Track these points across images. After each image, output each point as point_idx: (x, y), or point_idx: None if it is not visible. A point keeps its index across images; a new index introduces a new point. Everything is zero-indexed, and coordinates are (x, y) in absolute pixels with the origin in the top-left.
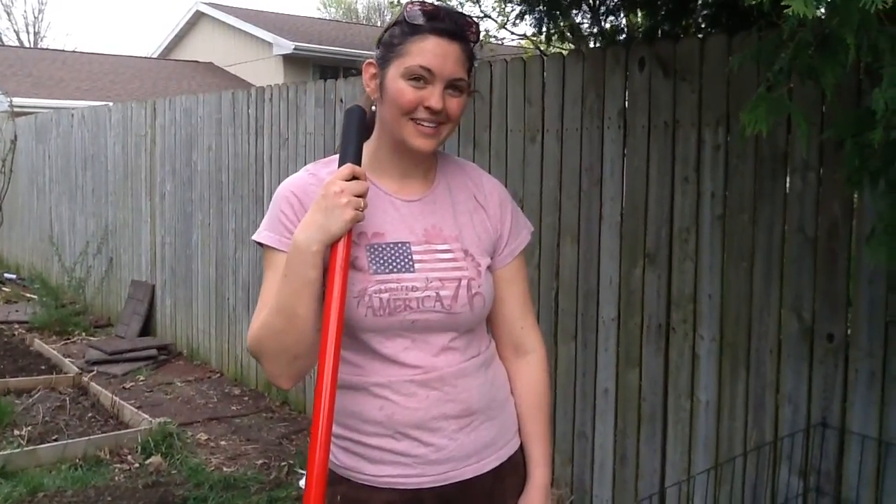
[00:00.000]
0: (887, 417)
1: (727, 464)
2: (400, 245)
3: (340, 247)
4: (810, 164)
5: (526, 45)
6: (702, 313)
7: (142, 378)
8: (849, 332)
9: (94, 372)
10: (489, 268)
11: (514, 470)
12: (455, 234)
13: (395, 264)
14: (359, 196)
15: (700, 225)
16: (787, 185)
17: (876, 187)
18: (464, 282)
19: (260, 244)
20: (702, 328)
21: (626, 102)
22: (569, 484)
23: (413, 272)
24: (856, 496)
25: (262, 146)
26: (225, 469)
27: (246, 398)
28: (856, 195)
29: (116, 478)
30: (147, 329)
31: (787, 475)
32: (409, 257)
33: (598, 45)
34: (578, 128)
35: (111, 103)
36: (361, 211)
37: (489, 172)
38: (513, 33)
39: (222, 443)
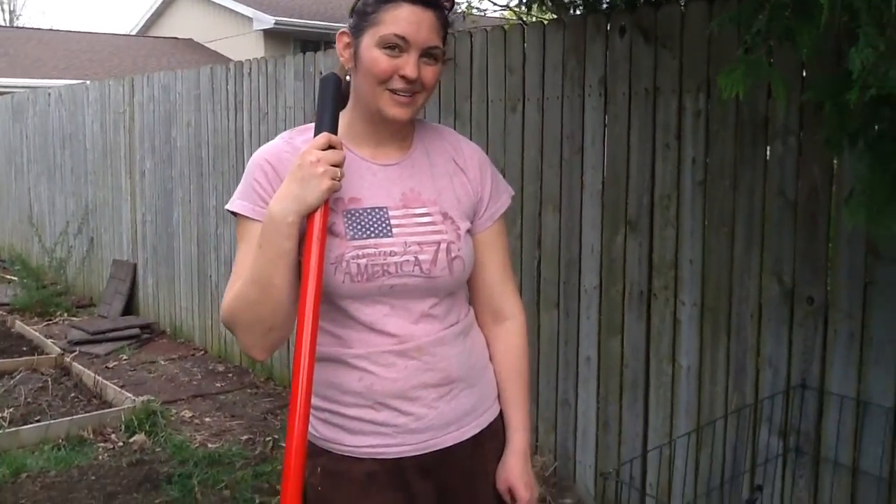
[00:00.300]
0: (865, 377)
1: (708, 427)
2: (377, 210)
3: (317, 217)
4: (790, 129)
5: (508, 17)
6: (683, 279)
7: (125, 357)
8: (828, 294)
9: (77, 352)
10: (469, 231)
11: (494, 436)
12: (433, 197)
13: (372, 229)
14: (335, 165)
15: (681, 191)
16: (768, 150)
17: (855, 149)
18: (443, 245)
19: (234, 213)
20: (683, 294)
21: (607, 70)
22: (552, 451)
23: (391, 237)
24: (834, 455)
25: (242, 121)
26: (209, 445)
27: (230, 375)
28: (835, 158)
29: (100, 457)
30: (130, 308)
31: (766, 436)
32: (387, 222)
33: (578, 12)
34: (559, 96)
35: (88, 82)
36: (338, 181)
37: None
38: (494, 3)
39: (207, 419)
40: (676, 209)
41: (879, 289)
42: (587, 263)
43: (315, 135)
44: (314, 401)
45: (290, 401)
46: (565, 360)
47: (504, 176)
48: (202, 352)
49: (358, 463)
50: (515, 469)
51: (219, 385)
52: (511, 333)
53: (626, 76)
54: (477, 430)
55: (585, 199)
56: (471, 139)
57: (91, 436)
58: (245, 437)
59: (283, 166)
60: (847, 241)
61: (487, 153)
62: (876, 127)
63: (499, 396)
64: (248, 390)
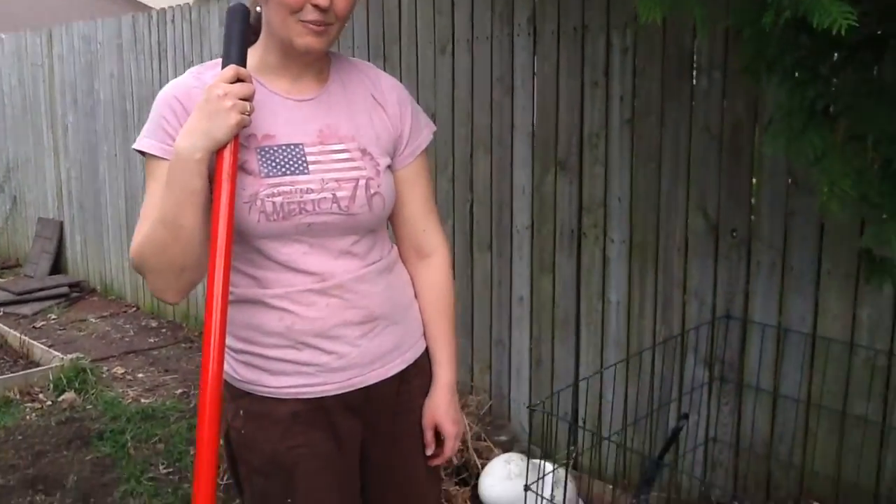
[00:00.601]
0: (786, 306)
1: (637, 358)
2: (292, 147)
3: (227, 153)
4: (715, 63)
5: None
6: (612, 217)
7: (53, 317)
8: (751, 226)
9: (2, 313)
10: (389, 168)
11: (419, 372)
12: (351, 133)
13: (287, 166)
14: (244, 99)
15: (609, 129)
16: (693, 85)
17: (773, 76)
18: (361, 182)
19: (141, 153)
20: (612, 231)
21: (536, 9)
22: (487, 390)
23: (307, 174)
24: (756, 381)
25: (167, 71)
26: (143, 401)
27: (164, 330)
28: (758, 90)
29: (28, 417)
30: (58, 267)
31: (692, 366)
32: (303, 159)
33: None
34: (489, 37)
35: (3, 35)
36: (248, 115)
37: None
38: None
39: (140, 375)
40: (605, 147)
41: (799, 219)
42: (519, 204)
43: (222, 68)
44: (235, 344)
45: (203, 344)
46: (499, 301)
47: (435, 120)
48: (134, 308)
49: (281, 403)
50: (442, 404)
51: (152, 341)
52: (435, 269)
53: (555, 14)
54: (402, 367)
55: (516, 140)
56: (401, 83)
57: (18, 396)
58: (179, 390)
59: (192, 103)
60: (769, 174)
61: (418, 97)
62: (793, 54)
63: (424, 333)
64: (183, 345)
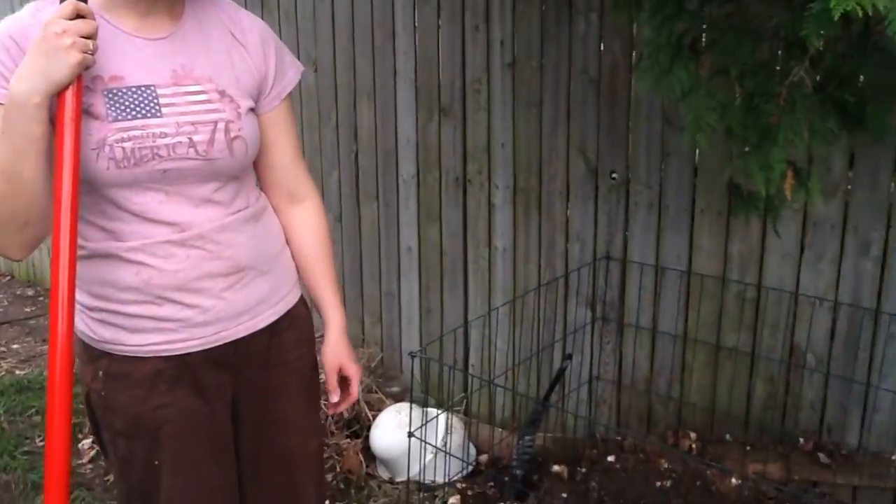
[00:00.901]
0: (663, 244)
1: (522, 302)
2: (143, 88)
3: (69, 96)
4: (592, 6)
5: None
6: (496, 163)
7: None
8: (629, 168)
9: None
10: (253, 111)
11: (292, 323)
12: (208, 73)
13: (138, 109)
14: (86, 37)
15: (491, 74)
16: (571, 28)
17: (641, 11)
18: (220, 125)
19: None
20: (496, 177)
21: None
22: (378, 342)
23: (160, 117)
24: (636, 319)
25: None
26: (17, 372)
27: (41, 298)
28: (632, 29)
29: None
30: None
31: (575, 307)
32: (155, 101)
33: None
34: None
35: None
36: (91, 54)
37: (279, 35)
38: None
39: (14, 346)
40: (487, 93)
41: (674, 159)
42: (404, 152)
43: (61, 2)
44: (90, 301)
45: (51, 307)
46: (387, 252)
47: (316, 69)
48: (8, 277)
49: (142, 362)
50: (340, 346)
51: (28, 310)
52: (310, 215)
53: None
54: (273, 319)
55: (399, 87)
56: (279, 32)
57: None
58: None
59: (29, 42)
60: (645, 115)
61: (297, 45)
62: None
63: (306, 279)
64: None
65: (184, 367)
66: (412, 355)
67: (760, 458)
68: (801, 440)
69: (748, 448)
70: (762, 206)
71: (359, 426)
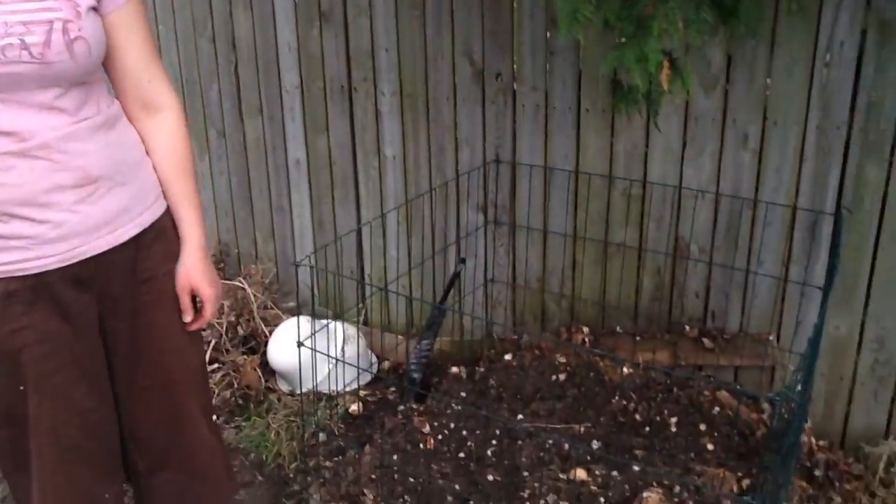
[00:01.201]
0: (551, 145)
1: (414, 208)
2: None
3: None
4: None
5: None
6: (381, 69)
7: None
8: (515, 69)
9: None
10: (95, 10)
11: (160, 236)
12: None
13: None
14: None
15: None
16: None
17: None
18: (57, 25)
19: None
20: (382, 84)
21: None
22: (272, 258)
23: None
24: (528, 221)
25: None
26: None
27: None
28: None
29: None
30: None
31: (467, 212)
32: None
33: None
34: None
35: None
36: None
37: None
38: None
39: None
40: None
41: (558, 58)
42: (285, 62)
43: None
44: None
45: None
46: (275, 166)
47: None
48: None
49: None
50: (197, 266)
51: None
52: (169, 125)
53: None
54: (137, 231)
55: None
56: None
57: None
58: None
59: None
60: (529, 14)
61: None
62: None
63: (165, 194)
64: None
65: (41, 288)
66: (296, 265)
67: (649, 347)
68: (687, 328)
69: (638, 338)
70: (642, 99)
71: (255, 342)
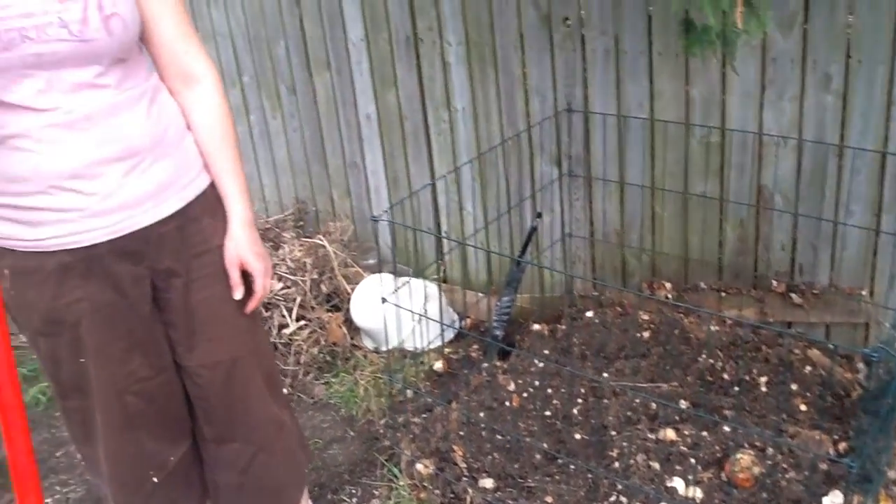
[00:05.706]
0: (623, 93)
1: (487, 161)
2: None
3: None
4: None
5: None
6: (445, 17)
7: None
8: (581, 13)
9: None
10: None
11: (207, 210)
12: None
13: None
14: None
15: None
16: None
17: None
18: (92, 2)
19: None
20: (448, 33)
21: None
22: (349, 216)
23: None
24: (603, 172)
25: None
26: None
27: None
28: None
29: None
30: None
31: (541, 165)
32: None
33: None
34: None
35: None
36: None
37: None
38: None
39: None
40: None
41: (627, 1)
42: (349, 13)
43: None
44: None
45: None
46: (346, 122)
47: None
48: None
49: (47, 257)
50: (242, 240)
51: None
52: (206, 96)
53: None
54: (181, 205)
55: None
56: None
57: None
58: None
59: None
60: None
61: None
62: None
63: (209, 167)
64: None
65: (93, 260)
66: (374, 219)
67: (735, 304)
68: (774, 283)
69: (723, 294)
70: (716, 40)
71: (338, 299)
